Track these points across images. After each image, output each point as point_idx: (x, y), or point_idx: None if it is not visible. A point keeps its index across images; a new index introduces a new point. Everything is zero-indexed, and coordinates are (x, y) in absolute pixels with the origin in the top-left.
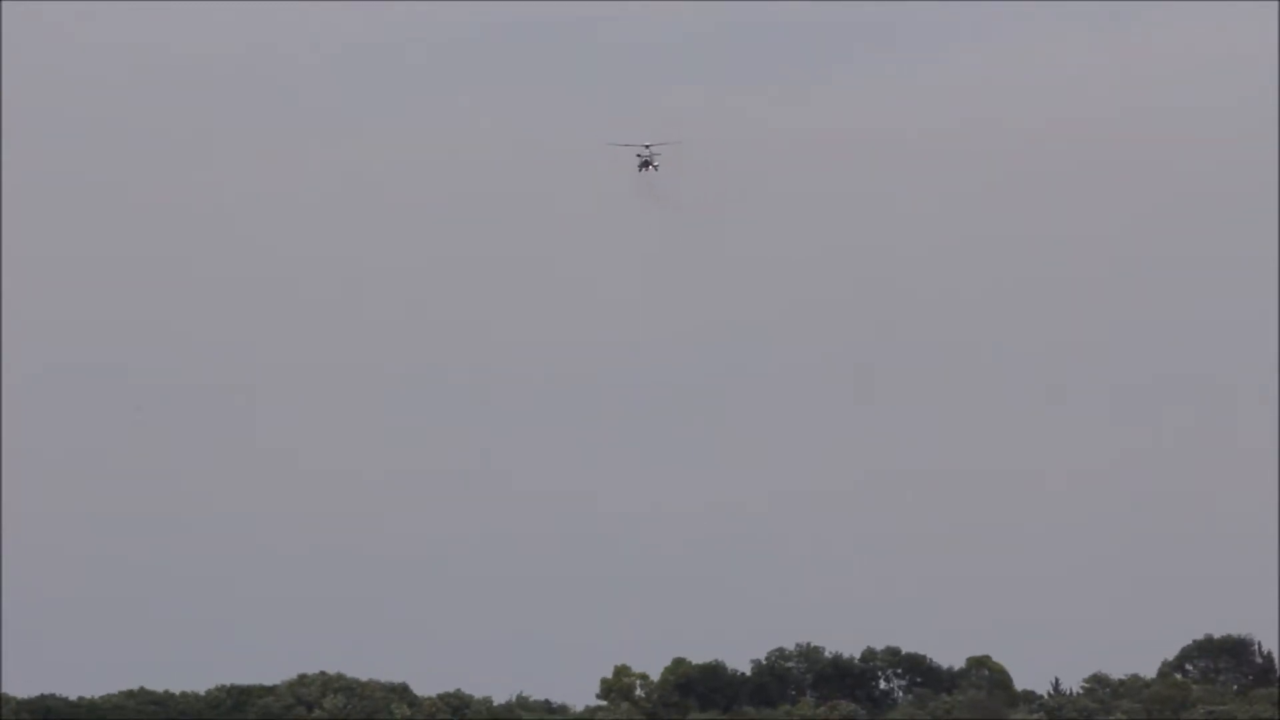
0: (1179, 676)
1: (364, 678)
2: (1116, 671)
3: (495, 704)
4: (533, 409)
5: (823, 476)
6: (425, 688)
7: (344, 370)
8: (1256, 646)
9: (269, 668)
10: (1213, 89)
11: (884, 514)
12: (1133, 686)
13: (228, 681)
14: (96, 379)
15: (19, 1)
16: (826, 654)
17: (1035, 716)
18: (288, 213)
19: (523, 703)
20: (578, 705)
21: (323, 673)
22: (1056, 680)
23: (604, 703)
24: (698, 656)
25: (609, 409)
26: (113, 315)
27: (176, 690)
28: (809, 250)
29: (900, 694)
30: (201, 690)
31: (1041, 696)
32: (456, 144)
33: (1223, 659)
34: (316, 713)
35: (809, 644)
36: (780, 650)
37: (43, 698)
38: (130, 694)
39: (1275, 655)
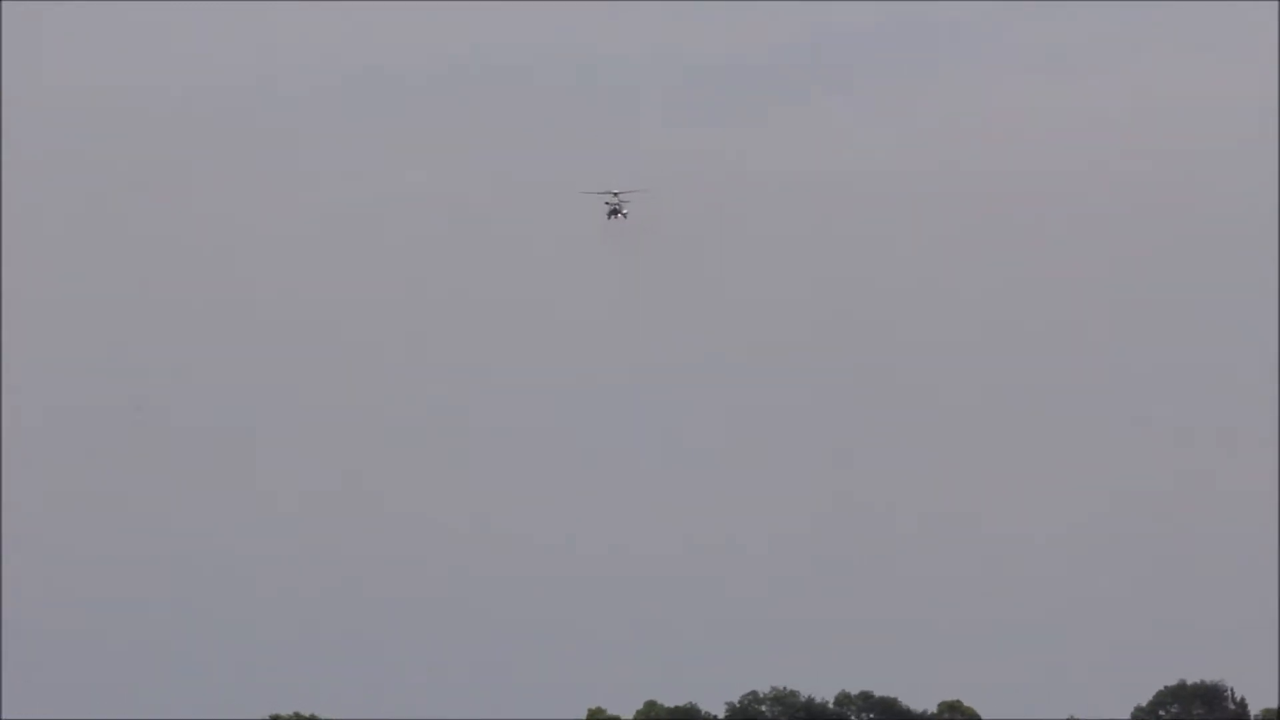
0: None
1: (335, 715)
2: (1090, 716)
3: None
4: (507, 451)
5: (796, 519)
6: None
7: (318, 411)
8: (1229, 693)
9: (244, 705)
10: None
11: (858, 557)
12: None
13: (205, 717)
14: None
15: (19, 1)
16: (800, 697)
17: None
18: (278, 230)
19: None
20: None
21: (296, 714)
22: None
23: None
24: (671, 699)
25: (581, 451)
26: (113, 326)
27: None
28: (783, 293)
29: None
30: None
31: None
32: (425, 184)
33: (1196, 705)
34: None
35: (784, 687)
36: (754, 694)
37: None
38: None
39: (1247, 702)
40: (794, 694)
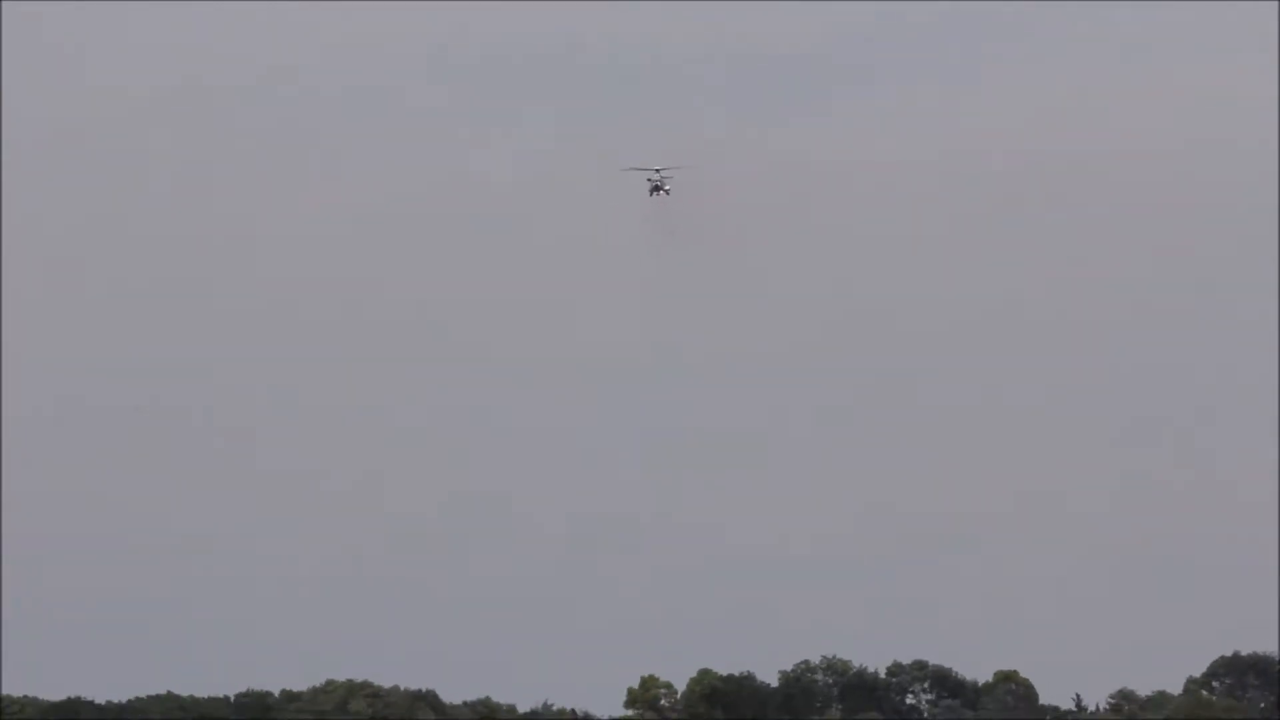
0: (1205, 693)
1: (390, 684)
2: (1143, 688)
3: (521, 712)
4: (553, 430)
5: (850, 492)
6: (452, 695)
7: (362, 368)
8: None
9: (296, 673)
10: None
11: (912, 528)
12: (1158, 703)
13: (254, 687)
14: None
15: (19, 2)
16: (853, 667)
17: None
18: (297, 221)
19: (548, 711)
20: (603, 715)
21: (350, 680)
22: (1078, 696)
23: (630, 712)
24: (724, 668)
25: (630, 427)
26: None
27: (203, 695)
28: (824, 280)
29: (927, 708)
30: (228, 695)
31: (1067, 712)
32: (470, 164)
33: (1249, 676)
34: (343, 718)
35: (835, 657)
36: (806, 663)
37: (70, 701)
38: (157, 698)
39: None
40: (846, 663)
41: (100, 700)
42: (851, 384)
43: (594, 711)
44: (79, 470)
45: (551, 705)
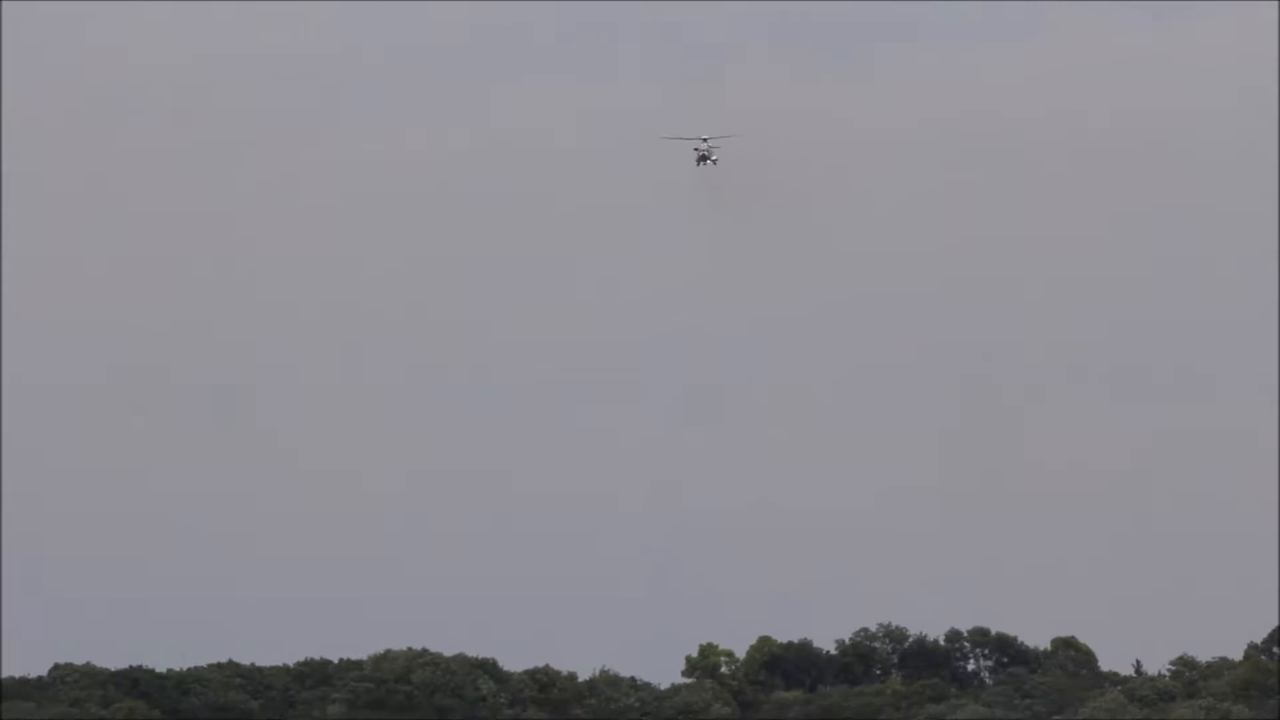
0: (1265, 659)
1: (451, 652)
2: (1203, 654)
3: (581, 680)
4: (608, 402)
5: (909, 462)
6: (512, 663)
7: (440, 328)
8: None
9: (356, 642)
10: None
11: (975, 497)
12: (1218, 669)
13: (315, 655)
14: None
15: (19, 1)
16: (909, 634)
17: (1112, 694)
18: (322, 208)
19: (608, 678)
20: (664, 682)
21: (409, 648)
22: (1138, 662)
23: (690, 679)
24: (784, 635)
25: (687, 400)
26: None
27: (264, 664)
28: (879, 243)
29: (987, 674)
30: (289, 663)
31: (1126, 678)
32: (515, 136)
33: None
34: (404, 687)
35: (892, 624)
36: (865, 630)
37: (132, 669)
38: (218, 666)
39: None
40: (904, 631)
41: (161, 669)
42: (905, 345)
43: (653, 679)
44: (140, 446)
45: (610, 672)
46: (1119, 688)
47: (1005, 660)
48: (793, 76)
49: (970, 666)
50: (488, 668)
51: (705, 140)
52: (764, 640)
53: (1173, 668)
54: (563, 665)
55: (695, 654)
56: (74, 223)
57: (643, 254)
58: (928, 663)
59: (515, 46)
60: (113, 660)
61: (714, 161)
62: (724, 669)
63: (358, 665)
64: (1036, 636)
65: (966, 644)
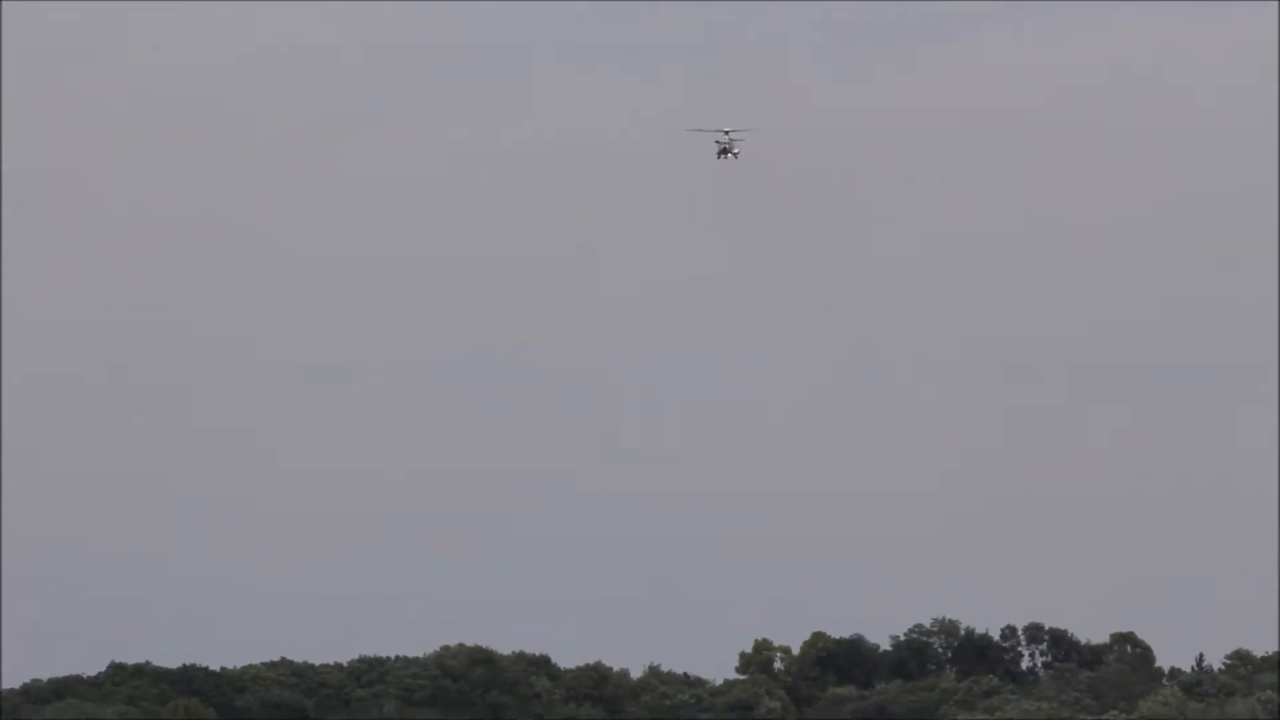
0: None
1: (505, 650)
2: (1258, 649)
3: (635, 677)
4: (642, 400)
5: (963, 454)
6: (566, 660)
7: (470, 319)
8: None
9: (411, 639)
10: None
11: (1027, 492)
12: (1273, 662)
13: (369, 653)
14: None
15: (19, 1)
16: (963, 629)
17: (1170, 689)
18: (330, 207)
19: (660, 675)
20: (717, 678)
21: (463, 644)
22: (1200, 656)
23: (743, 676)
24: (837, 631)
25: (727, 395)
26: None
27: (318, 662)
28: (907, 239)
29: (1042, 670)
30: (343, 661)
31: (1184, 672)
32: (533, 129)
33: None
34: (459, 684)
35: (947, 619)
36: (919, 626)
37: (185, 669)
38: (272, 665)
39: None
40: (957, 625)
41: (215, 668)
42: (956, 336)
43: (707, 675)
44: (188, 447)
45: (660, 668)
46: (1177, 682)
47: (1060, 656)
48: (832, 74)
49: (1025, 663)
50: (542, 665)
51: (727, 133)
52: (818, 636)
53: (1228, 662)
54: (615, 662)
55: (749, 649)
56: (74, 223)
57: (659, 251)
58: (981, 658)
59: (532, 43)
60: (166, 659)
61: (735, 155)
62: (777, 665)
63: (414, 662)
64: (1091, 632)
65: (1021, 639)
